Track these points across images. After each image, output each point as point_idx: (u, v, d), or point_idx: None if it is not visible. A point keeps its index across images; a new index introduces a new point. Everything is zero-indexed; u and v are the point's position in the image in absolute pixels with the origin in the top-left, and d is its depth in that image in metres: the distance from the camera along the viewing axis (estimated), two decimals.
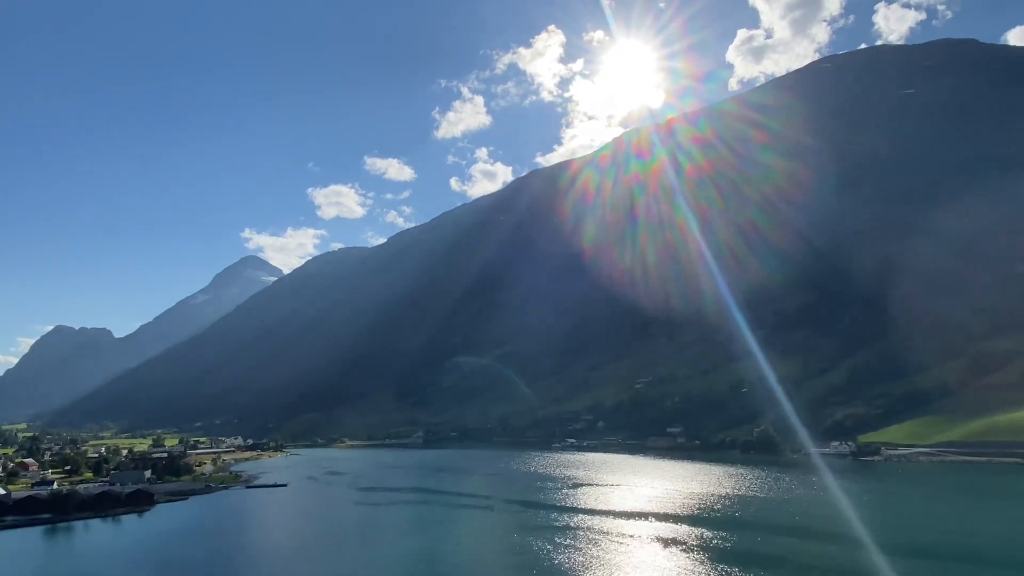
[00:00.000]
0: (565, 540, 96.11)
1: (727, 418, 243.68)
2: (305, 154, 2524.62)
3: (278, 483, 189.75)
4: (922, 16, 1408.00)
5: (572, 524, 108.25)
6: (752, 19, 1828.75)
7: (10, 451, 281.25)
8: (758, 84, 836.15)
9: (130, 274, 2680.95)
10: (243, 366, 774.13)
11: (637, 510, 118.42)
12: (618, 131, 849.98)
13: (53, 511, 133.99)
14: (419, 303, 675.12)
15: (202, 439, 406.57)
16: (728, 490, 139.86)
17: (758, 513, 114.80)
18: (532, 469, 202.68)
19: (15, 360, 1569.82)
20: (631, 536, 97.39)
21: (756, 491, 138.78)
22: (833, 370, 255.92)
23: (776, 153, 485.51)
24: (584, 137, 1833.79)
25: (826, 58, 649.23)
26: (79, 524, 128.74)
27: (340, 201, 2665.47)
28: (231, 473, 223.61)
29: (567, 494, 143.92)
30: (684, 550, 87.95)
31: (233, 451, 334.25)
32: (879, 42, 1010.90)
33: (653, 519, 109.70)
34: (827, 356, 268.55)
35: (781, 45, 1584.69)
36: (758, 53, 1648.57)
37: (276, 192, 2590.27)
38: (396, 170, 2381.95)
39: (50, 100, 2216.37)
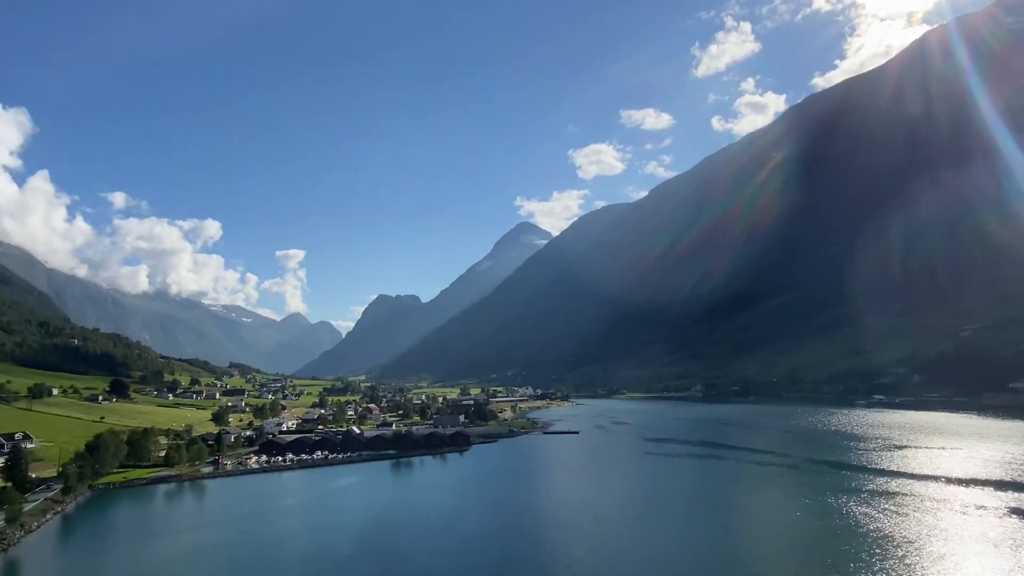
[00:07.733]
0: (892, 506, 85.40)
1: None
2: (563, 117, 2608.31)
3: (571, 430, 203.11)
4: None
5: (897, 489, 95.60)
6: None
7: (356, 398, 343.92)
8: None
9: (431, 248, 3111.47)
10: (526, 323, 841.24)
11: (982, 477, 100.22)
12: (922, 30, 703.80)
13: (396, 448, 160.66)
14: (685, 254, 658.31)
15: (499, 388, 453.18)
16: None
17: None
18: (836, 428, 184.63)
19: (351, 325, 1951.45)
20: (978, 507, 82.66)
21: None
22: None
23: None
24: (875, 45, 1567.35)
25: None
26: (416, 460, 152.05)
27: (600, 159, 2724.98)
28: (528, 420, 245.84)
29: (887, 456, 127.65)
30: None
31: (527, 400, 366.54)
32: None
33: (1009, 488, 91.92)
34: None
35: None
36: None
37: (541, 159, 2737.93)
38: (653, 119, 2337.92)
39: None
